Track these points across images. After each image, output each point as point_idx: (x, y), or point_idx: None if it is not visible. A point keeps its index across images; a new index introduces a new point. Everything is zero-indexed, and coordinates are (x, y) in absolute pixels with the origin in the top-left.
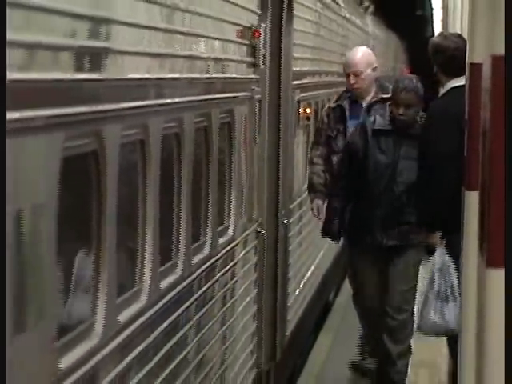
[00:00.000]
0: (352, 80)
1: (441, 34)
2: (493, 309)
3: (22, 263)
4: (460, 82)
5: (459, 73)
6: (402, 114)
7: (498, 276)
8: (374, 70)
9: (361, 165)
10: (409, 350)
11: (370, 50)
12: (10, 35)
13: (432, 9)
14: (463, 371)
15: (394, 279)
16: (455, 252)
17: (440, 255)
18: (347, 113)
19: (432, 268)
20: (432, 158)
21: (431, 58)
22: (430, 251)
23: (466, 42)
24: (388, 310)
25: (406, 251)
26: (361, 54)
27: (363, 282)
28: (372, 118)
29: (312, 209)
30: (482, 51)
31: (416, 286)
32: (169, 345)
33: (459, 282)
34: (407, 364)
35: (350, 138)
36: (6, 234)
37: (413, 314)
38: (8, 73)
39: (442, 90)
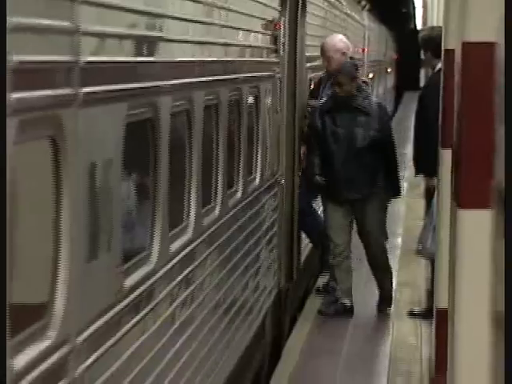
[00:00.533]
0: (324, 63)
1: (429, 27)
2: (461, 240)
3: (96, 206)
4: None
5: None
6: (337, 92)
7: (465, 214)
8: (343, 54)
9: (322, 138)
10: (389, 271)
11: (340, 38)
12: (85, 26)
13: (414, 7)
14: (438, 289)
15: (363, 224)
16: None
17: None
18: (322, 85)
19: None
20: (427, 119)
21: (423, 45)
22: (394, 194)
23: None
24: (366, 244)
25: (367, 201)
26: (331, 42)
27: (335, 229)
28: (324, 98)
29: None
30: (455, 39)
31: (383, 224)
32: (212, 266)
33: None
34: (391, 283)
35: (309, 118)
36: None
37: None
38: (82, 57)
39: (436, 68)
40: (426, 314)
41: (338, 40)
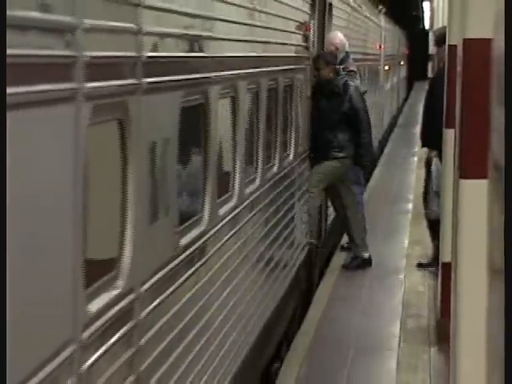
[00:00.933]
0: None
1: (442, 27)
2: (463, 205)
3: (156, 176)
4: None
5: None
6: (315, 76)
7: (466, 184)
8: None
9: (312, 115)
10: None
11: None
12: (147, 27)
13: (423, 11)
14: (443, 246)
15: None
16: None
17: (435, 164)
18: None
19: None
20: (435, 105)
21: (438, 40)
22: (362, 165)
23: None
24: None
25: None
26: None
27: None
28: None
29: None
30: (457, 36)
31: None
32: (253, 228)
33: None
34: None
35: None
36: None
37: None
38: (144, 52)
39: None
40: (430, 264)
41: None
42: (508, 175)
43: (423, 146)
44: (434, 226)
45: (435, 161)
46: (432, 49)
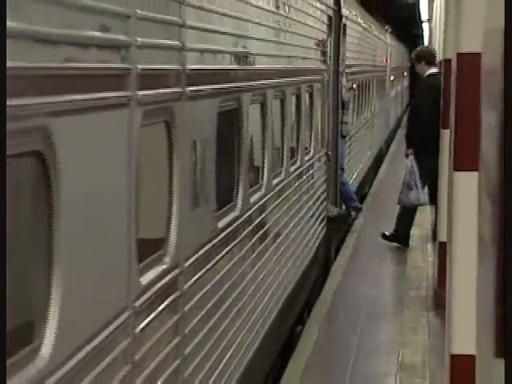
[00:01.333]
0: None
1: (422, 46)
2: (456, 193)
3: (198, 169)
4: (433, 70)
5: (434, 65)
6: None
7: (459, 175)
8: None
9: None
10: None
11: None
12: (190, 44)
13: (423, 30)
14: (440, 228)
15: None
16: (419, 160)
17: (410, 162)
18: None
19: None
20: (416, 109)
21: (418, 57)
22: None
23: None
24: None
25: None
26: None
27: None
28: None
29: None
30: (451, 51)
31: None
32: (279, 213)
33: (420, 177)
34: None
35: None
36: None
37: None
38: (187, 65)
39: (425, 74)
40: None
41: None
42: (508, 176)
43: (408, 144)
44: (403, 211)
45: (410, 159)
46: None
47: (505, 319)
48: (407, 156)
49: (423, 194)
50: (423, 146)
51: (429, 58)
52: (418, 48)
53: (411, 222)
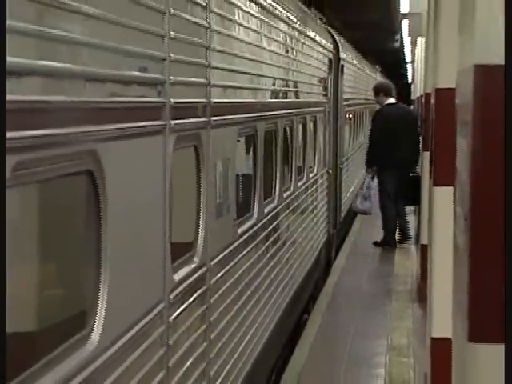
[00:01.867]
0: None
1: (382, 81)
2: (435, 203)
3: (221, 185)
4: (390, 101)
5: (391, 96)
6: None
7: (438, 189)
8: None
9: None
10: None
11: None
12: (214, 81)
13: (407, 70)
14: (421, 232)
15: None
16: (379, 178)
17: (367, 178)
18: None
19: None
20: (370, 134)
21: (377, 90)
22: None
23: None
24: None
25: None
26: None
27: None
28: None
29: None
30: (430, 86)
31: None
32: (288, 221)
33: (379, 190)
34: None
35: None
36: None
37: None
38: (212, 99)
39: (384, 104)
40: (381, 244)
41: None
42: (508, 175)
43: (368, 164)
44: (385, 223)
45: (367, 176)
46: (413, 95)
47: (505, 305)
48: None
49: (375, 207)
50: (377, 165)
51: (386, 90)
52: (378, 82)
53: (395, 228)
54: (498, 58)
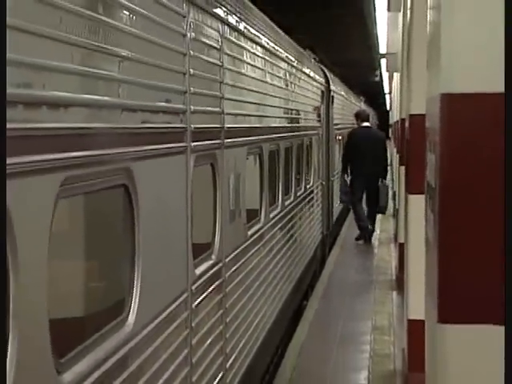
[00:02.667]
0: None
1: (359, 109)
2: (409, 209)
3: (233, 194)
4: (364, 124)
5: (366, 121)
6: None
7: (411, 197)
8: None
9: None
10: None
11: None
12: (227, 110)
13: (385, 99)
14: (399, 232)
15: None
16: (351, 184)
17: (343, 180)
18: None
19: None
20: (344, 149)
21: (357, 115)
22: None
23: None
24: None
25: None
26: None
27: None
28: None
29: None
30: (405, 112)
31: None
32: (290, 223)
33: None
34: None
35: None
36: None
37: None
38: (225, 125)
39: (361, 125)
40: (358, 238)
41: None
42: (508, 175)
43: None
44: (355, 218)
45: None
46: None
47: (505, 286)
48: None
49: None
50: (348, 175)
51: (363, 117)
52: (357, 110)
53: (366, 225)
54: (460, 87)
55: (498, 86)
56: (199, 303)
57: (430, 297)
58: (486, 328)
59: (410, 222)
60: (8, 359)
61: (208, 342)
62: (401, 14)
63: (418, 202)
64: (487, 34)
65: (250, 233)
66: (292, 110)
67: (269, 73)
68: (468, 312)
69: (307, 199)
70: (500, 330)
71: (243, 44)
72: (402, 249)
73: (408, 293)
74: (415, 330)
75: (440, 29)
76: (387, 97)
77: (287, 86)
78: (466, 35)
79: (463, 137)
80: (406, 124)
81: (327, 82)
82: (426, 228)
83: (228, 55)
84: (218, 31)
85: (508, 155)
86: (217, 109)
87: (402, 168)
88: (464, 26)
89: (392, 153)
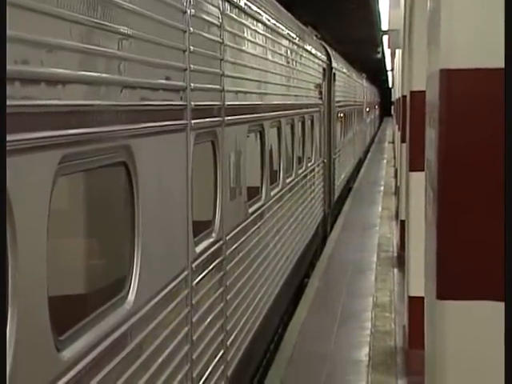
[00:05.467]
0: None
1: None
2: (410, 186)
3: (234, 172)
4: None
5: None
6: None
7: (412, 174)
8: None
9: None
10: None
11: None
12: (227, 87)
13: (387, 76)
14: (400, 210)
15: None
16: None
17: None
18: None
19: None
20: None
21: None
22: None
23: None
24: None
25: None
26: None
27: None
28: None
29: None
30: (406, 89)
31: None
32: (291, 201)
33: None
34: None
35: None
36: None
37: None
38: (225, 102)
39: None
40: None
41: None
42: (508, 150)
43: None
44: None
45: None
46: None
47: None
48: None
49: None
50: None
51: None
52: None
53: None
54: (459, 62)
55: (497, 62)
56: (199, 281)
57: (429, 273)
58: (485, 304)
59: (411, 200)
60: (7, 336)
61: (208, 319)
62: None
63: (418, 180)
64: (486, 9)
65: (250, 211)
66: (293, 87)
67: (270, 50)
68: (466, 288)
69: (308, 177)
70: (498, 305)
71: (244, 21)
72: (403, 226)
73: (409, 270)
74: (415, 306)
75: (440, 4)
76: (389, 74)
77: (288, 63)
78: (465, 11)
79: (462, 112)
80: (407, 100)
81: (329, 59)
82: (425, 205)
83: (228, 32)
84: (219, 8)
85: (508, 130)
86: (217, 86)
87: (404, 145)
88: (463, 1)
89: (394, 130)
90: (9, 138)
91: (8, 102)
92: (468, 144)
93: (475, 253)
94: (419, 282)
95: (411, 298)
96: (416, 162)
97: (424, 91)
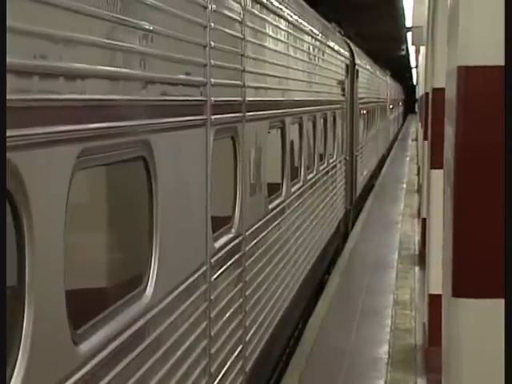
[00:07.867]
0: None
1: None
2: (431, 183)
3: (255, 167)
4: None
5: None
6: None
7: (433, 172)
8: None
9: None
10: None
11: None
12: (248, 83)
13: (412, 73)
14: (422, 208)
15: None
16: None
17: None
18: None
19: None
20: None
21: None
22: None
23: None
24: None
25: None
26: None
27: None
28: None
29: None
30: (429, 87)
31: None
32: (313, 197)
33: None
34: None
35: None
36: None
37: None
38: (246, 98)
39: None
40: None
41: None
42: (508, 173)
43: None
44: None
45: None
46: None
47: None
48: None
49: None
50: None
51: None
52: None
53: None
54: (477, 59)
55: None
56: (218, 276)
57: (446, 271)
58: (499, 302)
59: (432, 198)
60: (24, 329)
61: (227, 315)
62: None
63: (439, 177)
64: (504, 7)
65: (270, 207)
66: (315, 83)
67: (292, 46)
68: (481, 286)
69: (330, 174)
70: None
71: (266, 16)
72: (424, 224)
73: (429, 268)
74: (435, 304)
75: (459, 1)
76: (414, 71)
77: (310, 59)
78: (483, 8)
79: (479, 109)
80: (430, 97)
81: (352, 55)
82: (444, 203)
83: (250, 28)
84: (240, 3)
85: None
86: (238, 82)
87: (426, 143)
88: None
89: (417, 128)
90: (27, 131)
91: (27, 96)
92: (485, 142)
93: (490, 251)
94: (439, 279)
95: (431, 296)
96: (437, 160)
97: (444, 88)
